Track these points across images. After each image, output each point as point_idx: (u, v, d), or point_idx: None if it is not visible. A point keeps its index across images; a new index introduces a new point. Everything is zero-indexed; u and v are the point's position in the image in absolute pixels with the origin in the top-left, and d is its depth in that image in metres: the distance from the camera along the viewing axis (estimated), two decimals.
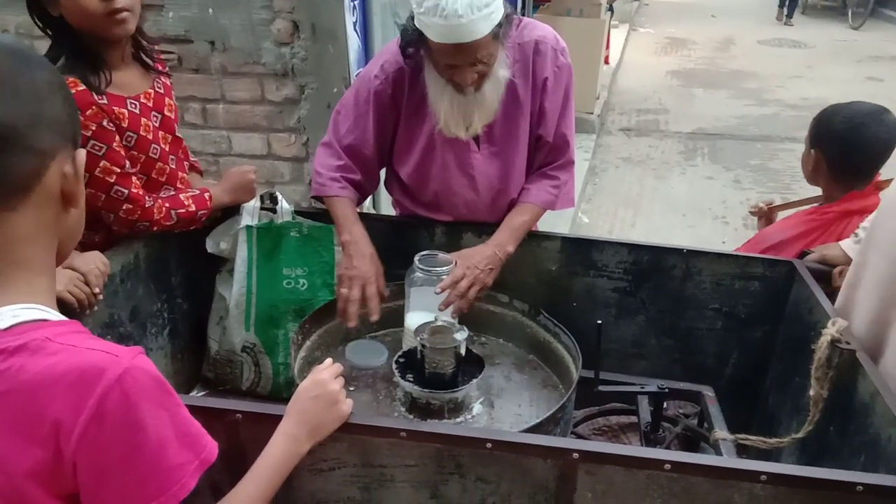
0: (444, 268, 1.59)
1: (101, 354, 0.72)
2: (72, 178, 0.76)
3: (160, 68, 1.63)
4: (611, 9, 6.66)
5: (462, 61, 1.48)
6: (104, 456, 0.71)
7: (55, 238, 0.79)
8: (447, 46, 1.45)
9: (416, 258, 1.60)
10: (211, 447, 0.80)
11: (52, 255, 0.79)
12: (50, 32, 1.44)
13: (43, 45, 1.43)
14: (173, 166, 1.65)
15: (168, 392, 0.76)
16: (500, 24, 1.46)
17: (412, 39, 1.53)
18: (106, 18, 1.38)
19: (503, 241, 1.67)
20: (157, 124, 1.58)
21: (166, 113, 1.61)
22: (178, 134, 1.67)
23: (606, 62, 7.11)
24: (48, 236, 0.78)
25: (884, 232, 1.32)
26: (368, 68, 1.70)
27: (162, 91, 1.61)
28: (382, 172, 1.87)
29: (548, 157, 1.77)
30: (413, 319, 1.57)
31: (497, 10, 1.44)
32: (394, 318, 1.77)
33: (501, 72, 1.57)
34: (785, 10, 11.27)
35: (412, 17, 1.50)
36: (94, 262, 1.40)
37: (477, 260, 1.62)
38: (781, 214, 2.06)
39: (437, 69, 1.56)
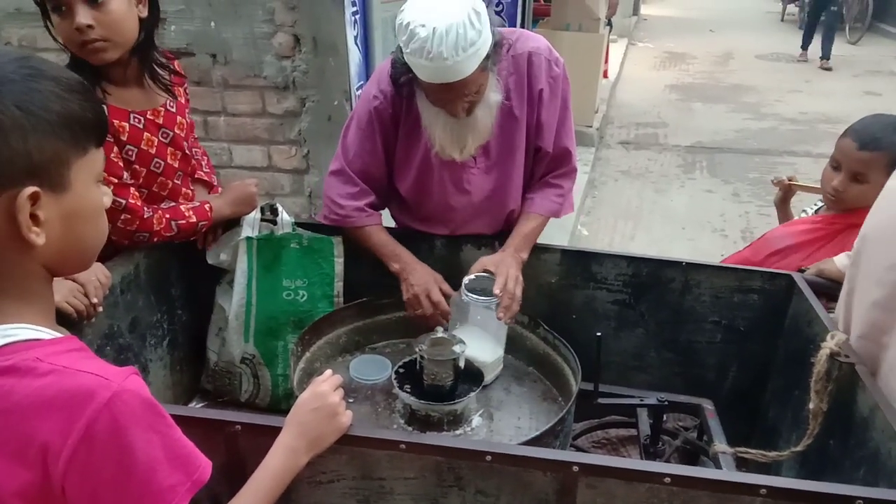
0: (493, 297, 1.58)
1: (90, 377, 0.72)
2: (17, 218, 0.71)
3: (177, 88, 1.63)
4: (609, 23, 6.70)
5: (451, 98, 1.51)
6: (93, 479, 0.71)
7: (35, 269, 0.77)
8: (435, 86, 1.47)
9: (465, 288, 1.59)
10: (204, 467, 0.80)
11: (36, 283, 0.78)
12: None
13: (48, 58, 1.44)
14: (178, 182, 1.65)
15: (159, 414, 0.76)
16: (488, 57, 1.47)
17: (402, 73, 1.54)
18: (81, 47, 1.40)
19: (518, 246, 1.70)
20: (166, 141, 1.59)
21: (176, 131, 1.61)
22: (187, 151, 1.67)
23: (605, 76, 7.15)
24: (23, 270, 0.76)
25: (875, 257, 1.31)
26: (367, 89, 1.72)
27: (174, 110, 1.61)
28: None
29: (550, 167, 1.78)
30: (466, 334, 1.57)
31: (483, 46, 1.44)
32: (396, 329, 1.78)
33: (493, 96, 1.58)
34: (818, 53, 9.33)
35: (400, 48, 1.51)
36: (95, 274, 1.40)
37: (508, 262, 1.64)
38: (796, 205, 2.08)
39: (428, 99, 1.58)
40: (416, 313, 1.66)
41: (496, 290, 1.57)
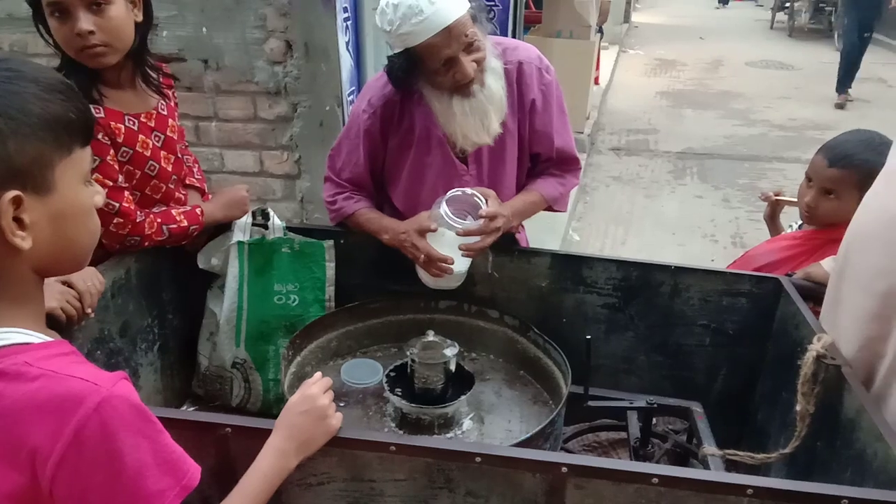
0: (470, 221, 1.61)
1: (80, 382, 0.72)
2: (1, 222, 0.71)
3: (166, 90, 1.64)
4: (600, 30, 6.76)
5: (455, 49, 1.50)
6: (82, 484, 0.71)
7: (24, 272, 0.76)
8: (437, 40, 1.47)
9: (446, 201, 1.59)
10: (193, 472, 0.80)
11: (26, 286, 0.78)
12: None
13: (42, 62, 1.44)
14: (171, 186, 1.66)
15: (148, 419, 0.77)
16: (472, 8, 1.51)
17: (403, 68, 1.55)
18: (80, 51, 1.41)
19: (517, 210, 1.71)
20: (159, 144, 1.59)
21: (168, 134, 1.62)
22: (179, 155, 1.68)
23: (597, 83, 7.20)
24: (11, 274, 0.75)
25: (859, 266, 1.31)
26: (357, 104, 1.75)
27: (165, 113, 1.62)
28: None
29: (556, 168, 1.81)
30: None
31: None
32: (387, 333, 1.78)
33: (494, 61, 1.60)
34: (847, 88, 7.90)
35: (390, 53, 1.54)
36: (91, 280, 1.39)
37: (506, 209, 1.65)
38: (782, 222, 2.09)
39: (436, 82, 1.57)
40: (419, 262, 1.64)
41: (482, 213, 1.58)
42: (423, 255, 1.60)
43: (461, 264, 1.63)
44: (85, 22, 1.37)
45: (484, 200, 1.61)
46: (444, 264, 1.60)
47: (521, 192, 1.79)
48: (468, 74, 1.53)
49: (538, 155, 1.78)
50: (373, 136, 1.70)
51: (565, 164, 1.81)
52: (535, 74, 1.68)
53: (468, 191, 1.62)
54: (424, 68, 1.55)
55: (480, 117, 1.59)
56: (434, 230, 1.60)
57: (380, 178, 1.81)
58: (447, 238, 1.61)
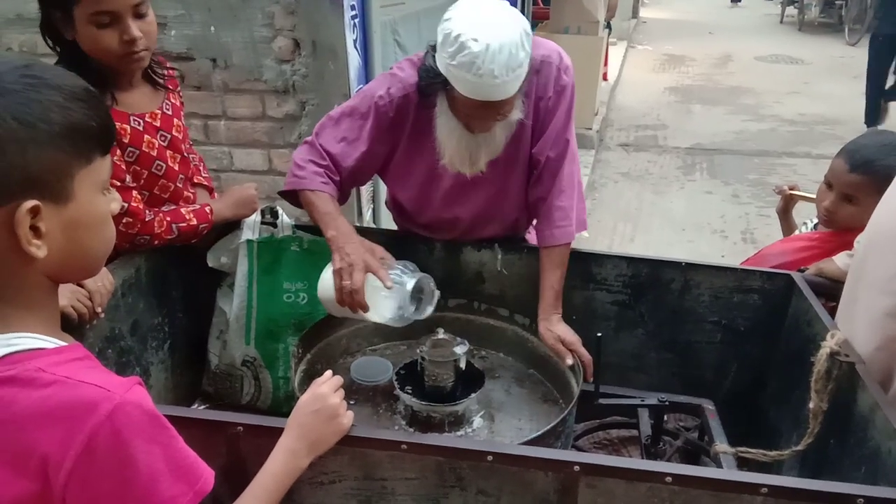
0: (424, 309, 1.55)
1: (93, 388, 0.71)
2: (18, 231, 0.71)
3: (171, 88, 1.65)
4: (608, 26, 6.72)
5: (487, 115, 1.48)
6: (95, 491, 0.71)
7: (38, 279, 0.76)
8: (477, 103, 1.43)
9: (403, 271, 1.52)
10: (207, 477, 0.80)
11: (39, 292, 0.77)
12: (59, 50, 1.46)
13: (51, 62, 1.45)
14: (179, 185, 1.66)
15: (161, 425, 0.76)
16: (524, 83, 1.45)
17: (434, 82, 1.48)
18: (123, 57, 1.44)
19: (556, 305, 1.64)
20: (164, 143, 1.60)
21: (174, 133, 1.63)
22: (185, 154, 1.68)
23: (605, 79, 7.17)
24: (26, 281, 0.75)
25: (878, 267, 1.30)
26: (373, 88, 1.64)
27: (170, 112, 1.63)
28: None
29: (541, 178, 1.69)
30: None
31: (527, 68, 1.43)
32: (396, 331, 1.78)
33: (515, 114, 1.54)
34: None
35: (433, 55, 1.46)
36: (102, 281, 1.40)
37: (563, 328, 1.61)
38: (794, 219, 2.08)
39: (453, 111, 1.53)
40: (341, 284, 1.46)
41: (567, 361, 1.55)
42: (349, 285, 1.44)
43: (375, 317, 1.52)
44: (136, 29, 1.42)
45: (436, 296, 1.55)
46: (359, 306, 1.47)
47: (543, 262, 1.67)
48: (485, 130, 1.53)
49: (530, 157, 1.69)
50: (382, 124, 1.61)
51: (548, 175, 1.68)
52: (553, 74, 1.61)
53: (431, 282, 1.55)
54: (451, 99, 1.51)
55: (471, 152, 1.56)
56: (389, 287, 1.47)
57: (367, 172, 1.72)
58: (380, 293, 1.50)
